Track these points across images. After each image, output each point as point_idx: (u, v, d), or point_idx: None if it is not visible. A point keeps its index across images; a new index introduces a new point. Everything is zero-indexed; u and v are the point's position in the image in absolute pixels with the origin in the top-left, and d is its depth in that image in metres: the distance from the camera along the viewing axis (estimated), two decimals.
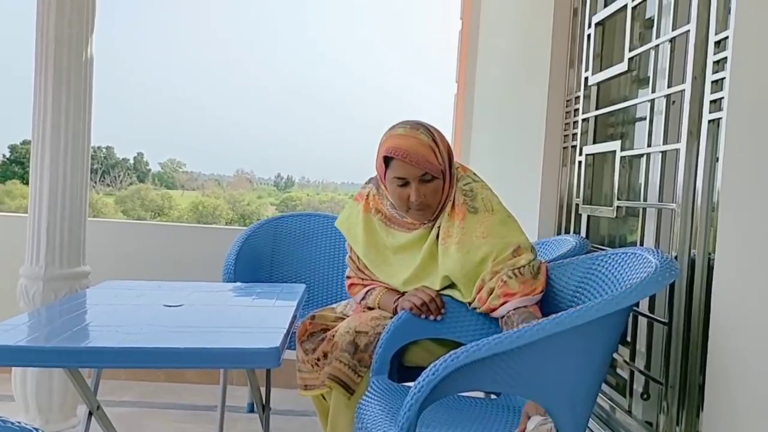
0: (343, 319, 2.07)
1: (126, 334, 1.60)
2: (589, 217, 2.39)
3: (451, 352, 1.32)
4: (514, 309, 1.76)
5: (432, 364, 1.32)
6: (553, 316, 1.33)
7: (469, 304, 1.88)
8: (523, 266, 1.78)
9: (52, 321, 1.70)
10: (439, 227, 1.93)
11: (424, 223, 1.95)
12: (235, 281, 2.69)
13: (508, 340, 1.29)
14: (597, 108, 2.33)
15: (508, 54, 3.37)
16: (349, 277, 2.16)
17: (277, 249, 3.01)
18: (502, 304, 1.78)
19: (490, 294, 1.79)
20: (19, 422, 0.77)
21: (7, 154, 41.08)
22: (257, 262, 2.92)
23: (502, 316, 1.80)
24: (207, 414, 2.96)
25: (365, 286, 2.08)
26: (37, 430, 0.82)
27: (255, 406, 3.02)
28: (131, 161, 46.64)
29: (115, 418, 2.05)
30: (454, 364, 1.29)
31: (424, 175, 1.85)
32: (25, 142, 40.23)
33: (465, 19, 4.36)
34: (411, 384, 1.89)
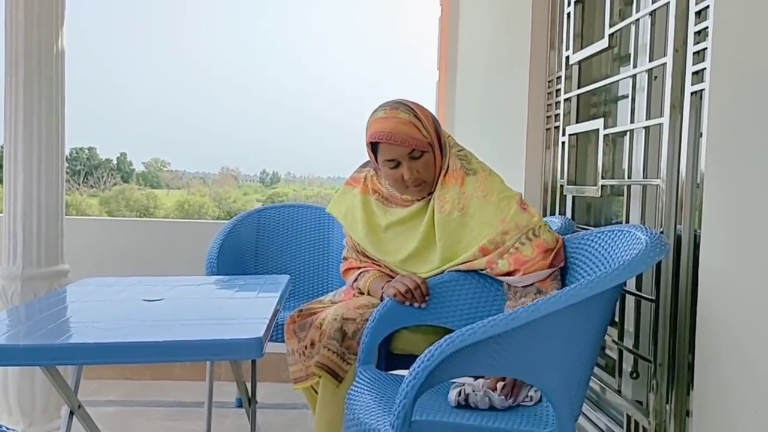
0: (330, 307, 2.03)
1: (105, 330, 1.57)
2: (574, 197, 2.38)
3: (446, 336, 1.30)
4: (523, 286, 1.74)
5: (427, 350, 1.30)
6: (548, 295, 1.31)
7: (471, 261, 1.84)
8: (538, 227, 1.75)
9: (30, 318, 1.66)
10: (434, 200, 1.90)
11: (419, 199, 1.94)
12: (218, 274, 2.65)
13: (503, 322, 1.27)
14: (579, 87, 2.31)
15: (489, 38, 3.35)
16: (345, 259, 2.13)
17: (261, 241, 2.97)
18: (513, 272, 1.75)
19: (500, 256, 1.77)
20: (1, 426, 0.74)
21: None
22: (241, 254, 2.88)
23: (514, 288, 1.78)
24: (195, 410, 2.92)
25: (360, 269, 2.05)
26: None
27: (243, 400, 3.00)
28: (114, 162, 46.25)
29: (101, 417, 2.02)
30: (450, 349, 1.27)
31: (412, 153, 1.85)
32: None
33: (444, 4, 4.33)
34: (399, 372, 1.89)
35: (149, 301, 1.83)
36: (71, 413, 1.86)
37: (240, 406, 3.02)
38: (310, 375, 1.93)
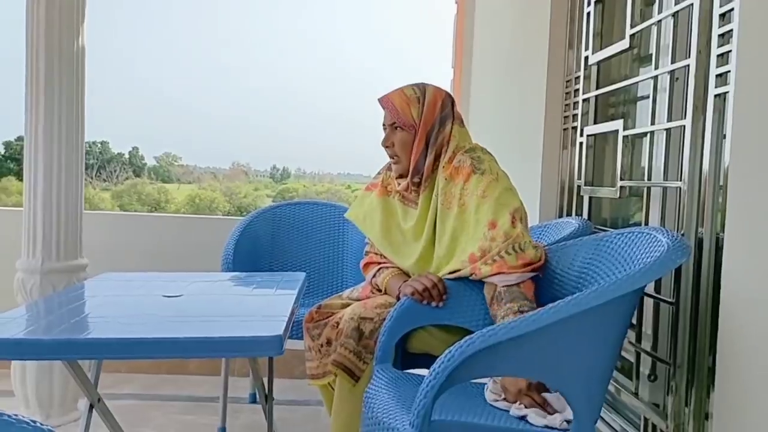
0: (350, 305, 2.05)
1: (126, 325, 1.58)
2: (591, 198, 2.37)
3: (466, 337, 1.30)
4: (504, 286, 1.75)
5: (447, 350, 1.30)
6: (569, 297, 1.31)
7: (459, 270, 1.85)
8: (525, 242, 1.77)
9: (51, 313, 1.68)
10: (438, 195, 1.94)
11: (421, 190, 1.98)
12: (234, 271, 2.66)
13: (524, 324, 1.27)
14: (598, 87, 2.30)
15: (505, 37, 3.34)
16: (367, 253, 2.15)
17: (277, 238, 2.98)
18: (495, 274, 1.76)
19: (485, 262, 1.78)
20: (16, 415, 0.74)
21: (2, 151, 40.94)
22: (256, 251, 2.90)
23: (494, 290, 1.78)
24: (209, 405, 2.94)
25: (380, 264, 2.07)
26: (35, 422, 0.80)
27: (257, 396, 3.01)
28: (126, 156, 46.52)
29: (117, 410, 2.03)
30: (470, 350, 1.27)
31: (393, 123, 1.98)
32: (20, 139, 40.04)
33: (460, 3, 4.32)
34: (416, 371, 1.89)
35: (169, 297, 1.85)
36: (91, 407, 1.87)
37: (254, 401, 3.03)
38: (326, 373, 1.94)
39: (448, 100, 2.03)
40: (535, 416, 1.49)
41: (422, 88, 2.01)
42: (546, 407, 1.53)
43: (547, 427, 1.47)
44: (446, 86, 4.65)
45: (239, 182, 45.42)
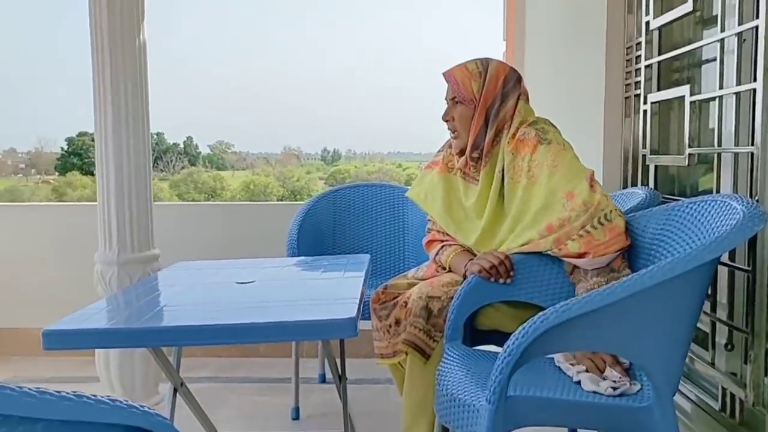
0: (416, 284, 2.07)
1: (205, 312, 1.64)
2: (656, 167, 2.32)
3: (539, 313, 1.31)
4: (594, 270, 1.73)
5: (521, 327, 1.31)
6: (644, 270, 1.29)
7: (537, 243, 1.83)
8: (610, 210, 1.73)
9: (132, 304, 1.75)
10: (502, 171, 1.93)
11: (480, 166, 1.97)
12: (299, 255, 2.72)
13: (598, 298, 1.27)
14: (660, 53, 2.24)
15: (560, 4, 3.27)
16: (429, 230, 2.17)
17: (338, 221, 3.02)
18: (583, 255, 1.74)
19: (569, 237, 1.75)
20: (95, 395, 0.79)
21: (66, 147, 42.40)
22: (319, 235, 2.95)
23: (579, 274, 1.77)
24: (281, 386, 3.03)
25: (442, 241, 2.08)
26: (113, 400, 0.85)
27: (329, 376, 3.08)
28: (181, 145, 47.59)
29: (195, 393, 2.11)
30: (544, 326, 1.27)
31: (454, 98, 1.99)
32: (81, 134, 41.46)
33: None
34: (486, 348, 1.91)
35: (242, 283, 1.90)
36: (175, 390, 1.96)
37: (323, 381, 3.11)
38: (396, 352, 1.97)
39: (513, 76, 2.01)
40: (588, 382, 1.50)
41: (485, 62, 2.00)
42: (602, 372, 1.54)
43: (595, 392, 1.47)
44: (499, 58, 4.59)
45: (291, 166, 45.98)
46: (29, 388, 0.72)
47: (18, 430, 0.71)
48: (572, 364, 1.61)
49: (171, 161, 41.38)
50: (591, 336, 1.37)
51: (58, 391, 0.74)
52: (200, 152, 50.24)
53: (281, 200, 35.24)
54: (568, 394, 1.49)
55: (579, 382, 1.53)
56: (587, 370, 1.56)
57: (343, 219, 3.03)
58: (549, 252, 1.81)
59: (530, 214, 1.85)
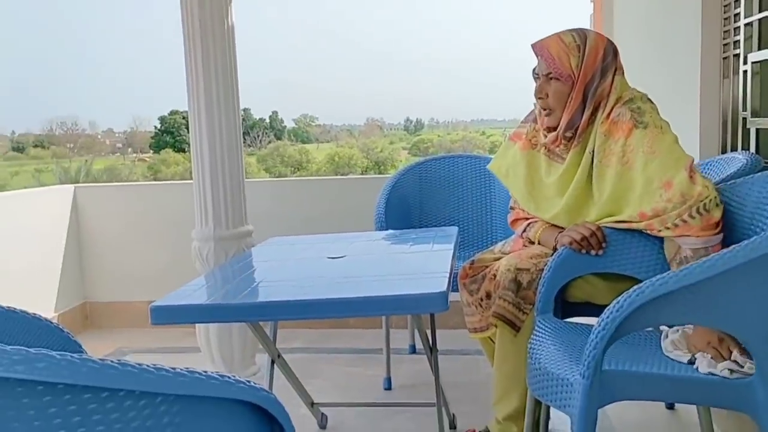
0: (501, 258, 2.06)
1: (299, 288, 1.69)
2: (758, 131, 2.20)
3: (635, 287, 1.28)
4: (691, 249, 1.67)
5: (615, 300, 1.29)
6: (746, 241, 1.24)
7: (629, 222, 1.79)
8: (709, 200, 1.66)
9: (230, 280, 1.83)
10: (592, 152, 1.86)
11: (572, 145, 1.90)
12: (386, 229, 2.75)
13: (698, 270, 1.23)
14: (761, 10, 2.10)
15: None
16: (512, 209, 2.14)
17: (425, 194, 3.03)
18: (679, 236, 1.69)
19: (663, 225, 1.70)
20: (205, 371, 0.83)
21: (159, 126, 44.24)
22: (406, 208, 2.97)
23: (676, 250, 1.71)
24: (372, 357, 3.09)
25: (528, 219, 2.06)
26: (248, 381, 0.89)
27: (419, 347, 3.12)
28: (267, 120, 48.70)
29: (289, 364, 2.19)
30: (640, 300, 1.25)
31: (549, 74, 1.88)
32: (173, 113, 43.09)
33: None
34: (578, 320, 1.88)
35: (333, 258, 1.95)
36: (272, 362, 2.04)
37: (413, 352, 3.15)
38: (488, 325, 1.98)
39: (611, 48, 1.90)
40: (704, 363, 1.45)
41: (582, 34, 1.89)
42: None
43: (711, 374, 1.42)
44: (586, 20, 4.44)
45: (374, 137, 46.23)
46: (147, 365, 0.78)
47: (140, 403, 0.77)
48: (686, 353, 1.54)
49: (258, 136, 42.41)
50: (688, 310, 1.33)
51: (173, 368, 0.80)
52: (285, 126, 51.32)
53: (365, 171, 35.59)
54: (665, 368, 1.45)
55: (692, 363, 1.47)
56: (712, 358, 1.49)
57: (430, 191, 3.03)
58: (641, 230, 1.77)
59: (623, 201, 1.79)
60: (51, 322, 1.28)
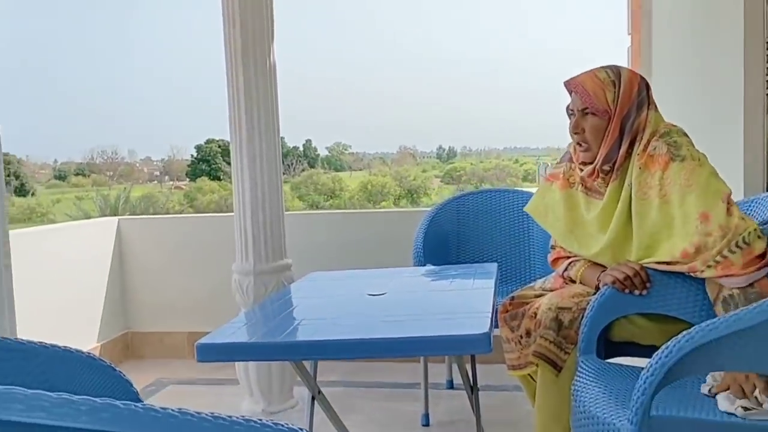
0: (543, 295, 2.04)
1: (340, 326, 1.70)
2: None
3: (684, 332, 1.27)
4: (739, 288, 1.65)
5: (664, 346, 1.27)
6: None
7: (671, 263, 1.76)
8: (748, 233, 1.64)
9: (272, 318, 1.84)
10: (630, 185, 1.85)
11: (611, 179, 1.89)
12: (424, 264, 2.75)
13: (749, 316, 1.21)
14: None
15: None
16: (553, 248, 2.13)
17: (462, 228, 3.03)
18: (722, 276, 1.66)
19: (705, 264, 1.68)
20: (286, 424, 0.85)
21: (195, 154, 45.05)
22: (444, 242, 2.97)
23: (719, 290, 1.69)
24: (410, 392, 3.08)
25: (569, 258, 2.04)
26: (302, 430, 0.90)
27: (456, 382, 3.10)
28: (301, 148, 49.26)
29: (326, 397, 2.19)
30: (689, 345, 1.23)
31: (585, 109, 1.89)
32: (209, 141, 43.88)
33: None
34: (621, 360, 1.86)
35: (373, 295, 1.96)
36: (313, 398, 2.05)
37: (450, 387, 3.13)
38: (527, 363, 1.96)
39: (644, 83, 1.93)
40: (724, 401, 1.43)
41: (616, 70, 1.91)
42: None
43: (728, 412, 1.40)
44: (623, 53, 4.43)
45: (407, 165, 46.39)
46: (205, 414, 0.79)
47: None
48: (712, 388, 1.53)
49: (292, 164, 42.88)
50: (739, 355, 1.30)
51: (229, 416, 0.81)
52: (318, 154, 51.81)
53: (398, 200, 35.65)
54: (714, 414, 1.43)
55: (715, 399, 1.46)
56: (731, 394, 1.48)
57: (467, 226, 3.04)
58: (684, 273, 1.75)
59: (662, 234, 1.78)
60: (95, 358, 1.30)
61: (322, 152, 52.51)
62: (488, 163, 46.41)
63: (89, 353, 1.28)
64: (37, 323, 2.47)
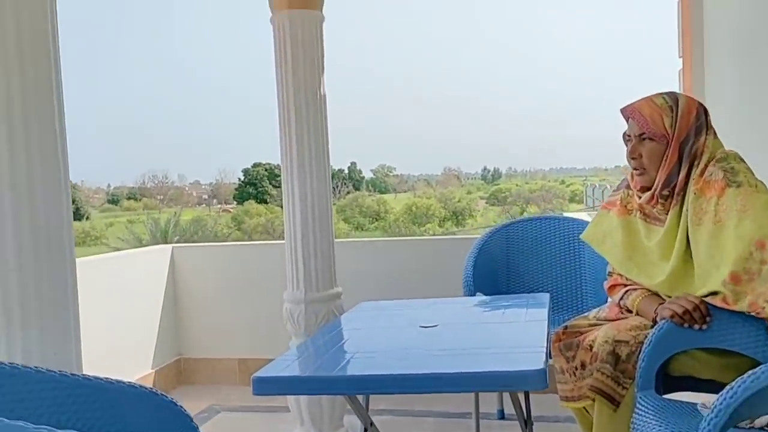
0: (597, 325, 2.01)
1: (394, 360, 1.71)
2: None
3: (749, 372, 1.23)
4: None
5: (728, 387, 1.24)
6: None
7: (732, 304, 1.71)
8: None
9: (325, 351, 1.85)
10: (687, 211, 1.83)
11: (671, 205, 1.87)
12: (474, 292, 2.74)
13: None
14: None
15: (747, 17, 3.06)
16: (611, 274, 2.10)
17: (512, 256, 3.01)
18: None
19: (766, 300, 1.63)
20: None
21: (242, 178, 45.86)
22: (494, 271, 2.95)
23: None
24: (461, 422, 3.04)
25: (626, 286, 2.01)
26: None
27: (507, 411, 3.05)
28: (346, 171, 49.69)
29: (377, 426, 2.18)
30: (755, 386, 1.20)
31: (642, 134, 1.89)
32: (256, 165, 44.65)
33: None
34: (680, 395, 1.81)
35: (425, 327, 1.95)
36: (365, 430, 2.05)
37: (501, 417, 3.08)
38: (582, 396, 1.92)
39: (702, 109, 1.92)
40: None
41: (673, 96, 1.92)
42: None
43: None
44: (674, 78, 4.36)
45: (452, 187, 46.31)
46: None
47: None
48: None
49: (337, 186, 43.27)
50: None
51: None
52: (363, 177, 52.19)
53: (443, 222, 35.54)
54: None
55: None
56: None
57: (517, 254, 3.01)
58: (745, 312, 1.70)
59: (714, 262, 1.74)
60: (157, 393, 1.32)
61: (367, 174, 52.90)
62: (534, 184, 46.01)
63: (152, 389, 1.31)
64: (93, 350, 2.53)
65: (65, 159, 1.38)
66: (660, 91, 1.95)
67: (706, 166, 1.84)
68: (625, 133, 1.97)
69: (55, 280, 1.33)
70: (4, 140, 1.28)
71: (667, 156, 1.87)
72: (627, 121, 1.96)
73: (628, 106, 1.94)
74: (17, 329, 1.27)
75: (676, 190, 1.88)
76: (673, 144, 1.87)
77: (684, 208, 1.86)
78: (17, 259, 1.27)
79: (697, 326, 1.77)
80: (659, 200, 1.92)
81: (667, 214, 1.91)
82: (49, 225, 1.32)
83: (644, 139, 1.90)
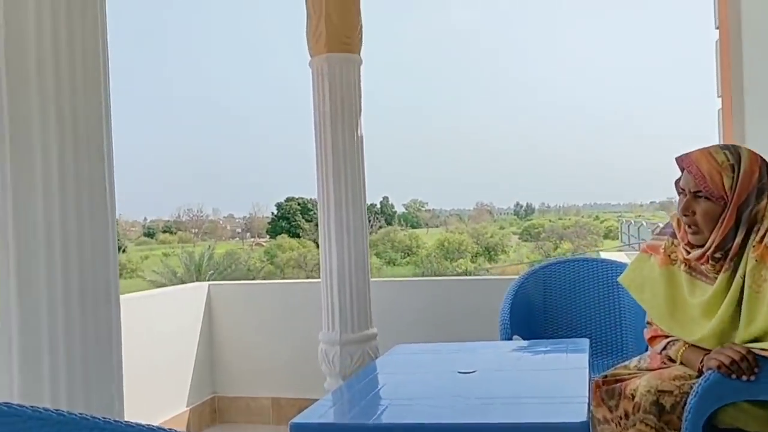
0: (638, 375, 1.96)
1: (432, 408, 1.69)
2: None
3: None
4: None
5: None
6: None
7: None
8: None
9: (362, 397, 1.84)
10: (743, 276, 1.76)
11: (723, 268, 1.79)
12: (511, 335, 2.70)
13: None
14: None
15: None
16: (650, 324, 2.04)
17: (549, 299, 2.96)
18: None
19: None
20: None
21: (275, 212, 46.31)
22: (531, 313, 2.91)
23: None
24: None
25: (667, 337, 1.96)
26: None
27: None
28: (378, 206, 49.86)
29: None
30: None
31: (697, 192, 1.79)
32: (288, 199, 45.06)
33: (722, 28, 4.01)
34: None
35: (464, 373, 1.93)
36: None
37: None
38: None
39: (765, 169, 1.81)
40: None
41: (735, 152, 1.80)
42: None
43: None
44: (714, 117, 4.32)
45: (484, 222, 46.10)
46: None
47: None
48: None
49: (370, 221, 43.32)
50: None
51: None
52: (395, 211, 52.27)
53: (475, 257, 35.31)
54: None
55: None
56: None
57: (555, 296, 2.97)
58: None
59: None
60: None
61: (399, 209, 52.97)
62: (567, 220, 45.55)
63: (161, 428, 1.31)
64: (129, 386, 2.54)
65: (113, 205, 1.39)
66: (720, 143, 1.86)
67: (767, 231, 1.75)
68: (678, 184, 1.86)
69: (100, 326, 1.35)
70: (56, 185, 1.29)
71: (724, 219, 1.77)
72: (682, 171, 1.86)
73: (685, 156, 1.83)
74: (62, 373, 1.29)
75: (730, 255, 1.78)
76: (732, 207, 1.76)
77: (738, 273, 1.78)
78: (65, 307, 1.28)
79: (745, 377, 1.72)
80: (710, 261, 1.82)
81: (716, 273, 1.82)
82: (96, 272, 1.34)
83: (700, 197, 1.79)
